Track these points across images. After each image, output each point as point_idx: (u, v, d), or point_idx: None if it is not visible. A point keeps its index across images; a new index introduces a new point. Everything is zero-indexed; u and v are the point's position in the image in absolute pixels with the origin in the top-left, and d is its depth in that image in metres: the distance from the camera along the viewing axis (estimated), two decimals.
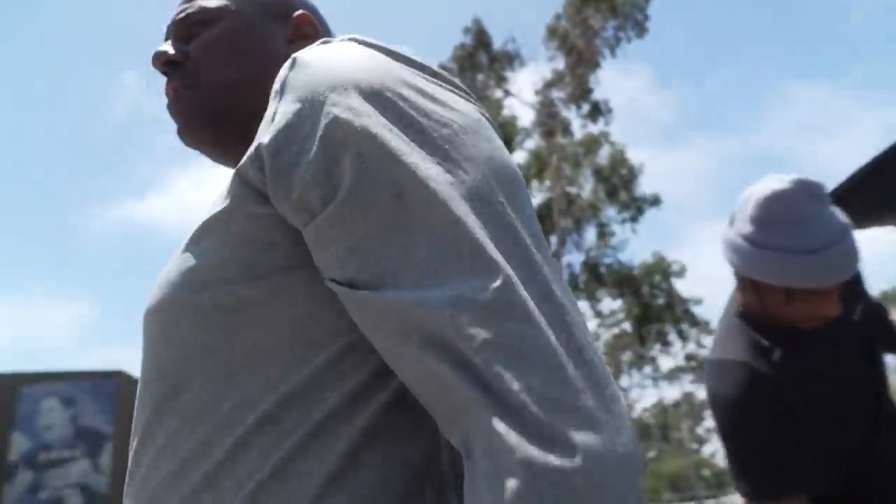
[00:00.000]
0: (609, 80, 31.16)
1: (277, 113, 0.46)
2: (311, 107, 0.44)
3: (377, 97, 0.44)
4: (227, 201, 0.49)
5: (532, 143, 18.48)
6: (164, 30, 0.70)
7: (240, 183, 0.48)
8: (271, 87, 0.55)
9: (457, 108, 0.47)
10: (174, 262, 0.51)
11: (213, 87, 0.64)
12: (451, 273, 0.39)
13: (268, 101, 0.58)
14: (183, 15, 0.68)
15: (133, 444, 0.49)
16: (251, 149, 0.47)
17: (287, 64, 0.49)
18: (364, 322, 0.42)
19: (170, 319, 0.49)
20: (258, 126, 0.61)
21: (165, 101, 0.67)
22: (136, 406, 0.50)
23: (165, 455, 0.46)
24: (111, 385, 20.36)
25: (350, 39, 0.51)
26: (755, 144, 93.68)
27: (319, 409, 0.45)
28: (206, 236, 0.49)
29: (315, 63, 0.47)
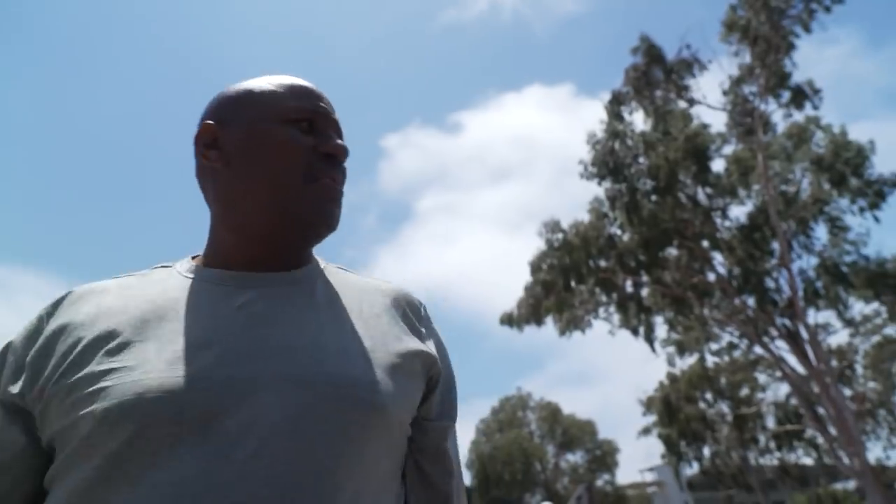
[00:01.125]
0: (811, 57, 27.73)
1: (438, 339, 0.89)
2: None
3: None
4: (417, 372, 0.76)
5: (730, 148, 16.99)
6: (314, 113, 0.78)
7: (422, 373, 0.77)
8: None
9: None
10: (386, 374, 0.70)
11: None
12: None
13: None
14: (336, 118, 0.81)
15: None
16: (433, 352, 0.80)
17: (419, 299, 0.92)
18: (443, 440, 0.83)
19: (383, 424, 0.67)
20: None
21: (322, 189, 0.75)
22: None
23: None
24: None
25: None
26: None
27: None
28: (413, 376, 0.75)
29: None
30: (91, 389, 0.61)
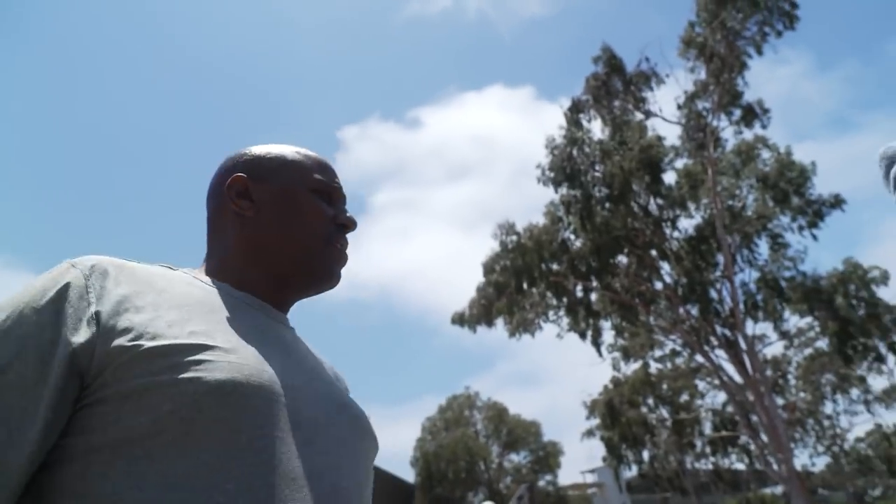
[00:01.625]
0: (763, 76, 28.73)
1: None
2: None
3: None
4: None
5: (682, 161, 17.49)
6: (334, 188, 0.95)
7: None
8: None
9: None
10: (362, 465, 0.80)
11: None
12: None
13: None
14: (345, 194, 0.98)
15: None
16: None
17: None
18: None
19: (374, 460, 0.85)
20: None
21: (336, 253, 0.92)
22: None
23: None
24: None
25: None
26: None
27: None
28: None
29: None
30: (191, 359, 0.66)
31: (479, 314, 17.51)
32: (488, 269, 17.28)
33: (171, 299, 0.73)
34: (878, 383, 24.91)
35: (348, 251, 0.95)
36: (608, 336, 18.46)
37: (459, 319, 18.07)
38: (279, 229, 0.88)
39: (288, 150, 0.95)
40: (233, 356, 0.69)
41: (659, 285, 16.77)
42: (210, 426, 0.64)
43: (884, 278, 17.94)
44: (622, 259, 16.73)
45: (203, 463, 0.62)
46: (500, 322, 17.55)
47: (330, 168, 0.97)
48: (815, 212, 16.33)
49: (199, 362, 0.66)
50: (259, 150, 0.95)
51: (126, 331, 0.67)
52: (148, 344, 0.66)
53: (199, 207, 0.97)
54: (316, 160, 0.95)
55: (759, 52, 15.56)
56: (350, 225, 0.94)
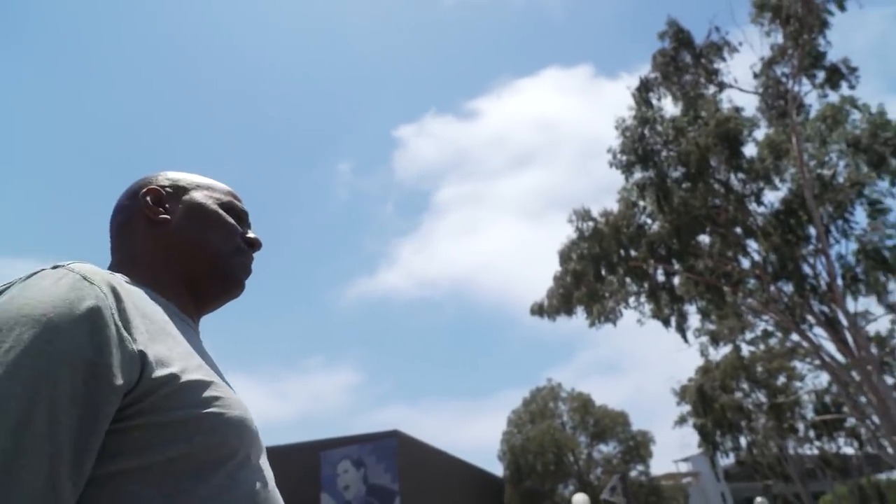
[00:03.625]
0: (849, 26, 26.75)
1: None
2: None
3: None
4: None
5: (763, 132, 16.60)
6: (243, 212, 1.05)
7: None
8: None
9: None
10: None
11: None
12: None
13: None
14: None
15: None
16: None
17: None
18: None
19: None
20: None
21: (245, 262, 1.01)
22: None
23: None
24: (391, 444, 22.19)
25: None
26: None
27: None
28: None
29: None
30: (210, 394, 0.76)
31: (559, 304, 17.27)
32: (565, 257, 17.02)
33: (164, 324, 0.80)
34: None
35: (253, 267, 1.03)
36: (693, 320, 17.81)
37: (539, 310, 17.89)
38: (193, 233, 0.95)
39: (198, 176, 1.05)
40: (225, 389, 0.80)
41: (746, 264, 16.00)
42: (228, 455, 0.75)
43: None
44: (704, 239, 16.07)
45: (218, 486, 0.72)
46: (579, 311, 17.27)
47: (237, 195, 1.07)
48: None
49: (217, 398, 0.76)
50: (171, 173, 1.03)
51: (160, 363, 0.72)
52: (183, 378, 0.73)
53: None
54: (224, 186, 1.06)
55: (842, 7, 14.54)
56: (256, 244, 1.03)
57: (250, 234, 1.03)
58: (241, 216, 1.04)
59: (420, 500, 20.68)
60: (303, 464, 20.40)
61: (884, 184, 15.53)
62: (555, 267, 17.49)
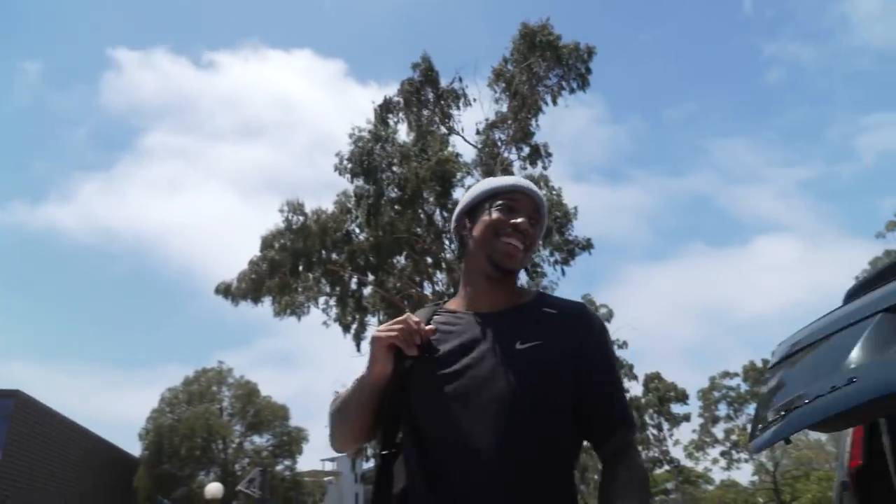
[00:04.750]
0: (556, 116, 31.92)
1: None
2: None
3: None
4: None
5: (472, 180, 18.72)
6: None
7: None
8: None
9: None
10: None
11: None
12: None
13: None
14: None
15: None
16: None
17: None
18: None
19: None
20: None
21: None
22: None
23: None
24: (6, 404, 18.73)
25: None
26: (691, 188, 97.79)
27: None
28: None
29: None
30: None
31: (248, 289, 16.79)
32: (267, 243, 16.68)
33: None
34: None
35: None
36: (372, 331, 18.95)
37: (225, 290, 17.14)
38: None
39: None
40: None
41: (428, 291, 17.70)
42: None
43: (609, 315, 21.16)
44: (401, 260, 17.35)
45: None
46: (267, 300, 17.04)
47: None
48: (570, 251, 18.63)
49: None
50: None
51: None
52: None
53: None
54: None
55: (555, 102, 17.36)
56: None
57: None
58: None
59: (29, 469, 18.18)
60: None
61: (545, 252, 18.81)
62: (254, 251, 17.04)
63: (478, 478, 1.02)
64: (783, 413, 1.53)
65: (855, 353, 1.39)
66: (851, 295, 2.11)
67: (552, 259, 18.71)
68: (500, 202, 1.25)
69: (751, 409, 47.22)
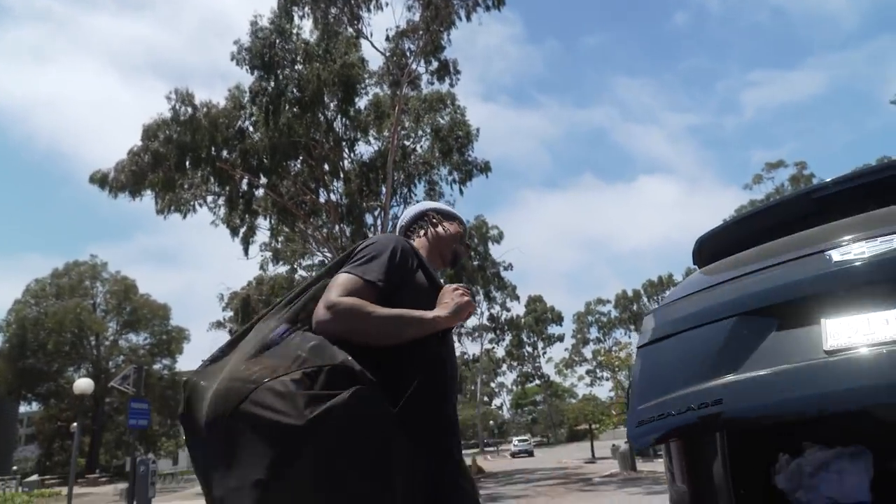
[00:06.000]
0: (470, 31, 31.35)
1: None
2: None
3: None
4: None
5: (376, 91, 18.19)
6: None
7: None
8: None
9: None
10: None
11: None
12: None
13: None
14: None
15: None
16: None
17: None
18: None
19: None
20: None
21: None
22: None
23: None
24: None
25: None
26: (592, 121, 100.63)
27: None
28: None
29: None
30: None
31: (128, 181, 15.67)
32: (150, 133, 15.50)
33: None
34: (470, 322, 30.22)
35: None
36: (262, 235, 18.51)
37: (101, 180, 15.91)
38: None
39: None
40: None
41: (323, 199, 17.39)
42: None
43: (499, 237, 21.93)
44: (295, 165, 16.80)
45: None
46: (148, 194, 16.04)
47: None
48: (468, 172, 18.86)
49: None
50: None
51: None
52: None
53: None
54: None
55: (469, 18, 16.92)
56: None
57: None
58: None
59: None
60: None
61: (444, 171, 18.91)
62: (135, 140, 15.82)
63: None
64: (659, 415, 1.65)
65: (718, 366, 1.55)
66: (700, 251, 2.26)
67: (450, 178, 18.89)
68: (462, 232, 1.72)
69: (618, 333, 51.51)
